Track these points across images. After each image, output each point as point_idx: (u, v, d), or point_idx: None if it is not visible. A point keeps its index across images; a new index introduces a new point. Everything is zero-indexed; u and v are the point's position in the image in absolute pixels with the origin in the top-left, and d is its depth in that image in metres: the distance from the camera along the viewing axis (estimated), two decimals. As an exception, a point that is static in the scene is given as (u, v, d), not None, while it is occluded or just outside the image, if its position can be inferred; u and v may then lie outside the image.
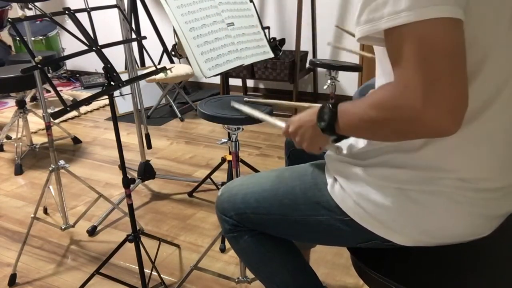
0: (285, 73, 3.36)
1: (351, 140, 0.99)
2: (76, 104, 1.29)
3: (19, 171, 2.72)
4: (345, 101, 0.89)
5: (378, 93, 0.80)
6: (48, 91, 3.88)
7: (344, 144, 1.01)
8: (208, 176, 2.32)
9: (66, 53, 3.86)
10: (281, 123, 1.11)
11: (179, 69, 3.36)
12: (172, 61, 3.79)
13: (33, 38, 3.60)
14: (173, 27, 1.47)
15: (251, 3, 1.73)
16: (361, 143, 0.95)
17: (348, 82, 3.46)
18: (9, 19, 1.33)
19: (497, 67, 0.80)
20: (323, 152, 1.02)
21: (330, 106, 0.89)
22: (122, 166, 1.44)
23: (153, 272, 1.67)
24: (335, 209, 0.96)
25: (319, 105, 0.97)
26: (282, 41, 1.83)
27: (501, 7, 0.78)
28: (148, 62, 3.98)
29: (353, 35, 0.89)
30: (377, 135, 0.85)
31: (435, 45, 0.71)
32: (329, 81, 2.00)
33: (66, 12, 1.37)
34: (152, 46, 3.57)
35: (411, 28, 0.72)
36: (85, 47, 1.36)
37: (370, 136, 0.89)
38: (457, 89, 0.71)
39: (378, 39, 0.79)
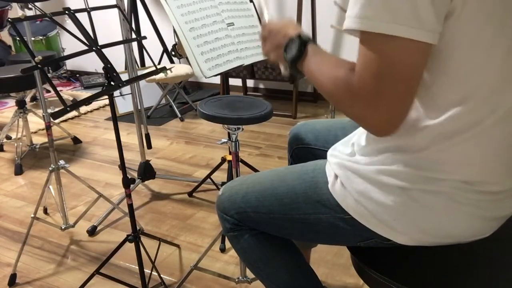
0: (285, 73, 3.36)
1: (353, 138, 0.99)
2: (76, 104, 1.29)
3: (19, 171, 2.72)
4: None
5: (342, 75, 0.82)
6: (48, 91, 3.88)
7: (345, 142, 1.01)
8: (208, 176, 2.32)
9: (66, 53, 3.87)
10: (266, 16, 1.14)
11: (179, 69, 3.36)
12: (172, 61, 3.80)
13: (33, 38, 3.60)
14: (173, 27, 1.47)
15: (251, 3, 1.73)
16: (363, 141, 0.95)
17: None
18: (9, 19, 1.33)
19: (503, 76, 0.80)
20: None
21: (299, 43, 0.93)
22: (122, 166, 1.44)
23: (153, 272, 1.66)
24: (335, 208, 0.96)
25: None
26: (282, 41, 1.82)
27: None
28: (148, 62, 3.98)
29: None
30: (327, 98, 0.89)
31: (394, 64, 0.74)
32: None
33: (66, 12, 1.37)
34: (152, 46, 3.57)
35: (375, 38, 0.74)
36: (85, 47, 1.36)
37: (321, 92, 0.91)
38: (401, 105, 0.78)
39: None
